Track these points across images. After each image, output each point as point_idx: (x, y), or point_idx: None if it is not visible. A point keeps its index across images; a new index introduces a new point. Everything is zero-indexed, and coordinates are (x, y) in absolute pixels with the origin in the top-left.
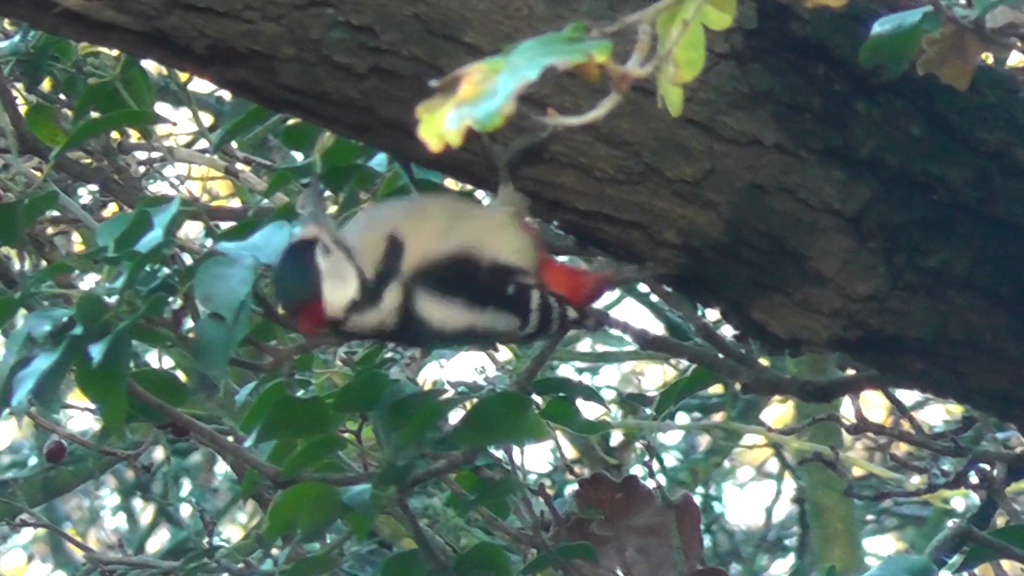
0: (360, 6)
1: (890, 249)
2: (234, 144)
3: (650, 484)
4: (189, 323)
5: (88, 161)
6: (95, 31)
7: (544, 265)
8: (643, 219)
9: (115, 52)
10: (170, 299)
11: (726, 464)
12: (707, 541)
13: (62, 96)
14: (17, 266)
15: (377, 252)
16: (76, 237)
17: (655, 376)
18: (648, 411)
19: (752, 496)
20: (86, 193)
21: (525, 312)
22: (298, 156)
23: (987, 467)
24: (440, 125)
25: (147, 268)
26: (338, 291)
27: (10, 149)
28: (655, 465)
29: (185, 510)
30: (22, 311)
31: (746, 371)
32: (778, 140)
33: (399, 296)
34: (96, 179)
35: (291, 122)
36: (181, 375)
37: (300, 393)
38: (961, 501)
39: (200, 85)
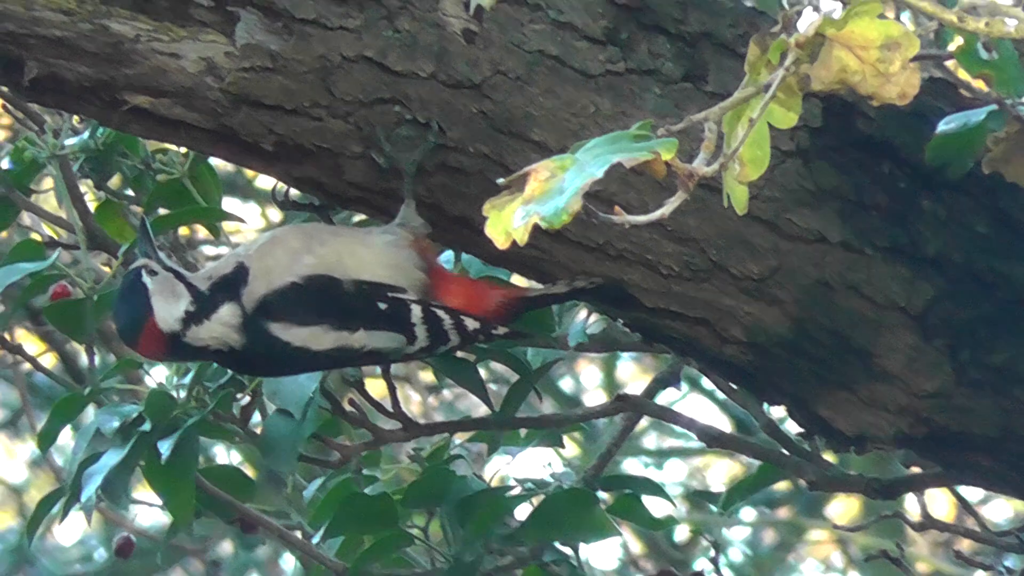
0: (426, 103)
1: (955, 346)
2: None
3: None
4: (257, 418)
5: None
6: (164, 128)
7: (439, 280)
8: (709, 316)
9: (183, 148)
10: (238, 395)
11: (791, 559)
12: None
13: (130, 192)
14: (86, 362)
15: (219, 273)
16: None
17: (721, 471)
18: (714, 507)
19: None
20: None
21: (407, 327)
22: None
23: None
24: (507, 222)
25: (215, 364)
26: (168, 305)
27: (79, 245)
28: (721, 560)
29: None
30: (91, 407)
31: (812, 468)
32: (844, 237)
33: (237, 313)
34: None
35: (358, 218)
36: (249, 470)
37: (368, 489)
38: None
39: (267, 180)
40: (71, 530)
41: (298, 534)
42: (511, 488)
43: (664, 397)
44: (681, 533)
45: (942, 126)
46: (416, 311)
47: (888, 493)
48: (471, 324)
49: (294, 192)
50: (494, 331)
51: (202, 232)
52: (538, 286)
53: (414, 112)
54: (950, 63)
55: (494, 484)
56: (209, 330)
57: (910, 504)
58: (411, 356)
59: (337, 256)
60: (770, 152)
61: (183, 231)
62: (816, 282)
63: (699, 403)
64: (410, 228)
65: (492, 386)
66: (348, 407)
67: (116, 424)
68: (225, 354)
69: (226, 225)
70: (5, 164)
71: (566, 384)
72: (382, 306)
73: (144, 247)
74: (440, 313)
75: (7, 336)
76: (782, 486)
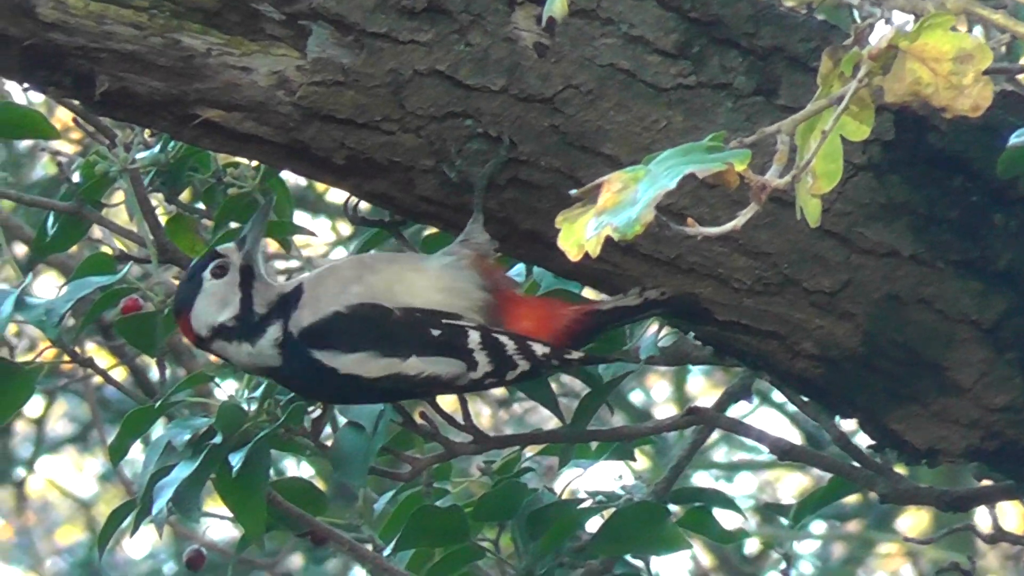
0: (498, 118)
1: None
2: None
3: None
4: (328, 431)
5: None
6: (235, 142)
7: (506, 301)
8: (781, 330)
9: (254, 162)
10: (309, 408)
11: (861, 573)
12: None
13: (201, 206)
14: (156, 375)
15: (277, 295)
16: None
17: (791, 484)
18: (784, 520)
19: None
20: None
21: (464, 353)
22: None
23: None
24: (580, 234)
25: None
26: (209, 311)
27: (150, 259)
28: (791, 573)
29: None
30: (161, 420)
31: (883, 481)
32: (915, 251)
33: (277, 338)
34: None
35: (428, 232)
36: (319, 483)
37: (438, 502)
38: None
39: (338, 194)
40: (141, 544)
41: (369, 547)
42: (582, 501)
43: (735, 410)
44: (751, 546)
45: (1014, 139)
46: (474, 337)
47: (959, 506)
48: (539, 349)
49: (365, 206)
50: (567, 356)
51: (273, 246)
52: (608, 298)
53: (485, 126)
54: (1022, 76)
55: (565, 497)
56: (242, 352)
57: (981, 517)
58: (480, 384)
59: (387, 284)
60: (842, 165)
61: None
62: (887, 296)
63: (770, 416)
64: (473, 245)
65: (563, 399)
66: (419, 420)
67: (187, 437)
68: (272, 373)
69: (297, 239)
70: (76, 178)
71: (636, 397)
72: (435, 332)
73: (247, 237)
74: (502, 339)
75: (78, 350)
76: (852, 499)
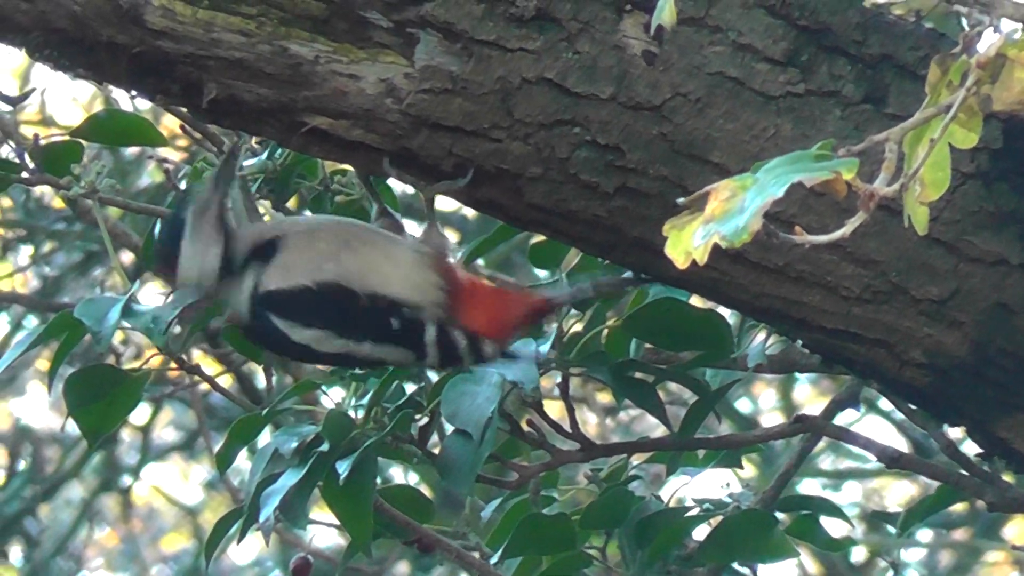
0: (607, 125)
1: None
2: (480, 262)
3: None
4: (435, 439)
5: None
6: (343, 150)
7: (462, 300)
8: (889, 338)
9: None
10: (416, 416)
11: None
12: None
13: (308, 214)
14: (263, 383)
15: (253, 243)
16: None
17: (898, 492)
18: (891, 528)
19: None
20: None
21: (419, 346)
22: (542, 274)
23: None
24: (687, 242)
25: (394, 385)
26: (197, 257)
27: None
28: None
29: None
30: (269, 428)
31: (991, 489)
32: None
33: (248, 290)
34: None
35: (536, 240)
36: (425, 491)
37: (545, 510)
38: None
39: (445, 203)
40: (247, 551)
41: (475, 555)
42: (689, 509)
43: (842, 418)
44: (858, 555)
45: None
46: (431, 332)
47: None
48: (488, 349)
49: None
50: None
51: None
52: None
53: (594, 134)
54: None
55: (672, 505)
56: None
57: None
58: (419, 367)
59: (361, 268)
60: (950, 174)
61: None
62: (996, 304)
63: (876, 425)
64: (433, 244)
65: (670, 407)
66: (526, 428)
67: (294, 445)
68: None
69: None
70: (183, 185)
71: (743, 406)
72: (395, 323)
73: (217, 180)
74: (457, 337)
75: (184, 357)
76: (959, 507)
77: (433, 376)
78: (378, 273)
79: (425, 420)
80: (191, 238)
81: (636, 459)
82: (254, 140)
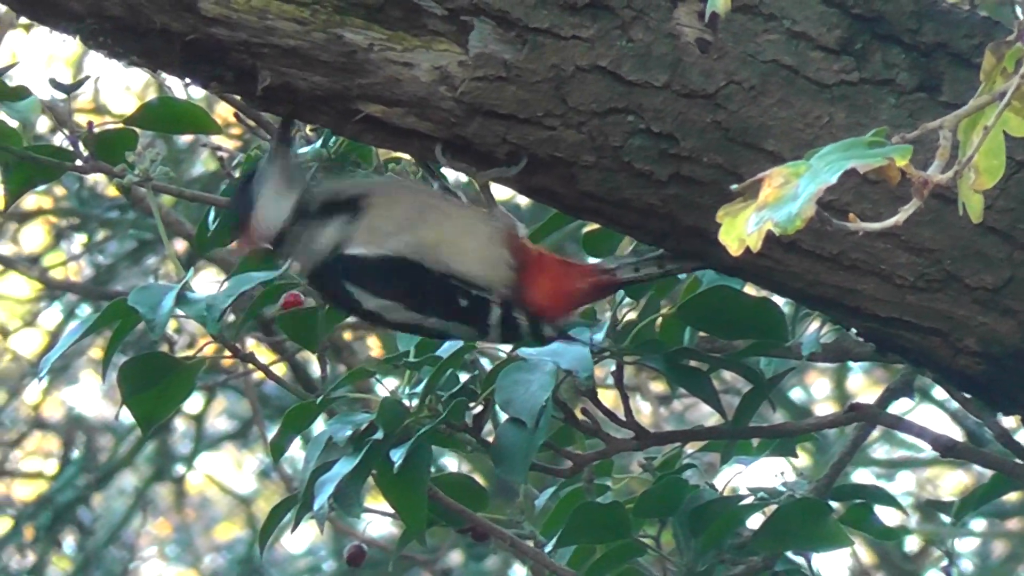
0: (660, 113)
1: None
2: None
3: None
4: (489, 427)
5: None
6: (397, 137)
7: (528, 277)
8: (943, 326)
9: None
10: (470, 404)
11: (1022, 571)
12: None
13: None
14: (317, 371)
15: (333, 195)
16: (374, 342)
17: (951, 481)
18: (944, 517)
19: None
20: None
21: (483, 326)
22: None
23: None
24: (740, 229)
25: (448, 373)
26: (271, 203)
27: None
28: (953, 571)
29: None
30: (323, 416)
31: None
32: None
33: (328, 245)
34: None
35: (589, 228)
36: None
37: (599, 498)
38: None
39: (498, 191)
40: (300, 540)
41: (530, 543)
42: (743, 498)
43: (895, 407)
44: (912, 544)
45: None
46: (495, 313)
47: None
48: (548, 332)
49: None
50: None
51: None
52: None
53: (648, 122)
54: None
55: (726, 494)
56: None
57: None
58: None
59: (436, 241)
60: (1005, 161)
61: None
62: None
63: (929, 413)
64: (504, 224)
65: (724, 396)
66: (580, 416)
67: (348, 433)
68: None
69: None
70: (237, 173)
71: (796, 395)
72: (463, 303)
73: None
74: (519, 319)
75: (238, 345)
76: (1013, 496)
77: (487, 364)
78: (455, 246)
79: (479, 408)
80: (266, 185)
81: (690, 447)
82: (308, 128)
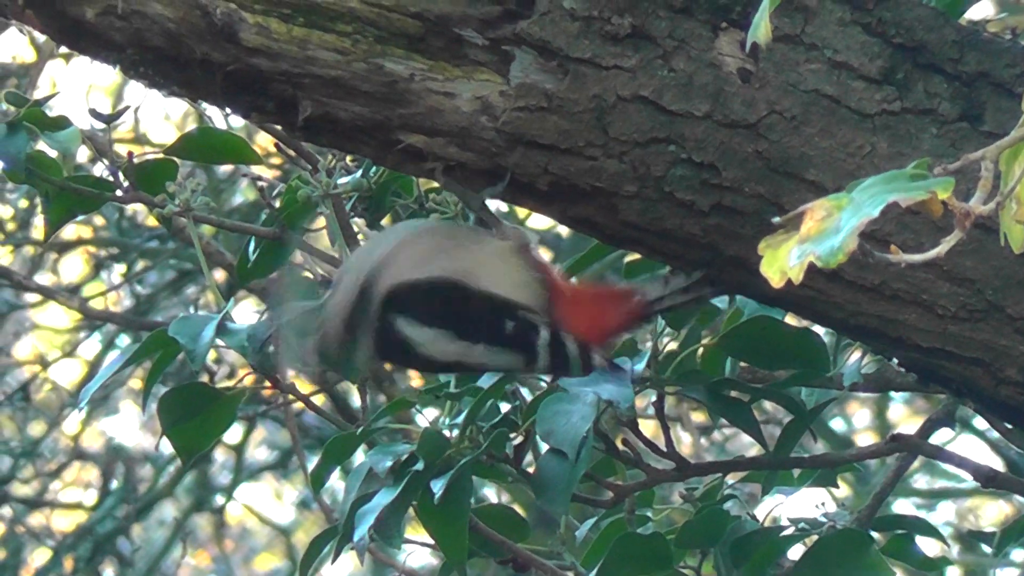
0: (702, 143)
1: None
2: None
3: None
4: (529, 458)
5: None
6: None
7: (562, 303)
8: (985, 356)
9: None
10: (511, 435)
11: None
12: None
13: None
14: (358, 402)
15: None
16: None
17: (992, 512)
18: (986, 547)
19: None
20: None
21: (531, 350)
22: None
23: None
24: (783, 261)
25: (488, 403)
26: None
27: None
28: None
29: None
30: (363, 447)
31: None
32: None
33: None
34: None
35: (630, 258)
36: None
37: (640, 529)
38: None
39: (539, 221)
40: (340, 571)
41: (570, 575)
42: (784, 528)
43: (936, 437)
44: (953, 574)
45: None
46: (544, 335)
47: None
48: (597, 360)
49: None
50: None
51: None
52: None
53: (689, 152)
54: None
55: (767, 524)
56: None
57: None
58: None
59: (472, 265)
60: None
61: None
62: None
63: (971, 443)
64: (518, 242)
65: (765, 427)
66: (621, 447)
67: (389, 464)
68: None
69: None
70: (277, 203)
71: (837, 425)
72: (510, 324)
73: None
74: (569, 344)
75: (278, 376)
76: None
77: (528, 395)
78: (487, 268)
79: (520, 439)
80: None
81: (731, 478)
82: (348, 158)
